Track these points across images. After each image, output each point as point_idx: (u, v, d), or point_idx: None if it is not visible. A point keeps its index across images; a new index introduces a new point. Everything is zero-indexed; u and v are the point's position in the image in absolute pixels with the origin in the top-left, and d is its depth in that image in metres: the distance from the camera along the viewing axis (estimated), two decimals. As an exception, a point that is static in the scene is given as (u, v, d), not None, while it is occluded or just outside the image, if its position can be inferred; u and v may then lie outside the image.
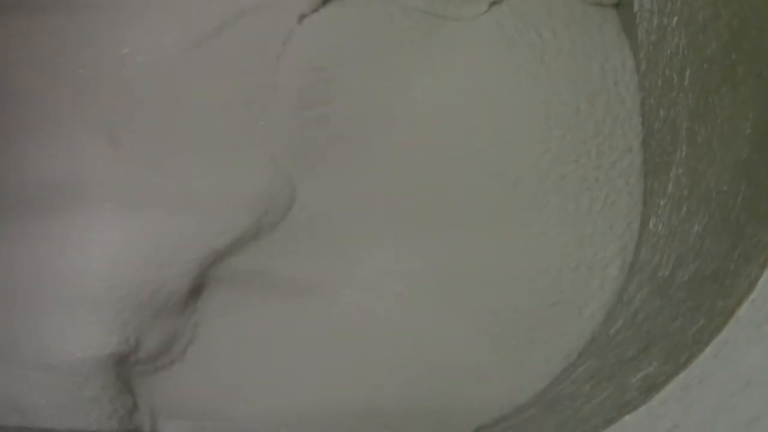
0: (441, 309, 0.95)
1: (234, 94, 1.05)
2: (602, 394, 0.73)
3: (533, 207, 0.96)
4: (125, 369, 0.98)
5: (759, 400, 0.51)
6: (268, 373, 0.97)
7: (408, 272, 0.97)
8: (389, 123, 1.02)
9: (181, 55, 1.07)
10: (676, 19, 0.83)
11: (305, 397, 0.95)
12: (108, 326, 0.96)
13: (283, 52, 1.06)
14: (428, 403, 0.92)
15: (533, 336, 0.92)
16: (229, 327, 1.00)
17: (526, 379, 0.90)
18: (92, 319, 0.96)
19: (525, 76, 0.99)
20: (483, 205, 0.97)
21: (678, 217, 0.81)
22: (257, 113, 1.04)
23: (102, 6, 1.10)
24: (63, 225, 1.01)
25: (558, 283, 0.93)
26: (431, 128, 1.01)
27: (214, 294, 1.00)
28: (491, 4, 1.04)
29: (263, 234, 1.00)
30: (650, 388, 0.61)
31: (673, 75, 0.85)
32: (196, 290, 1.00)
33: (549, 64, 0.99)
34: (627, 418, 0.60)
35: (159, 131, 1.05)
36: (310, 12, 1.07)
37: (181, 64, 1.07)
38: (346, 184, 1.02)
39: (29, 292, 0.99)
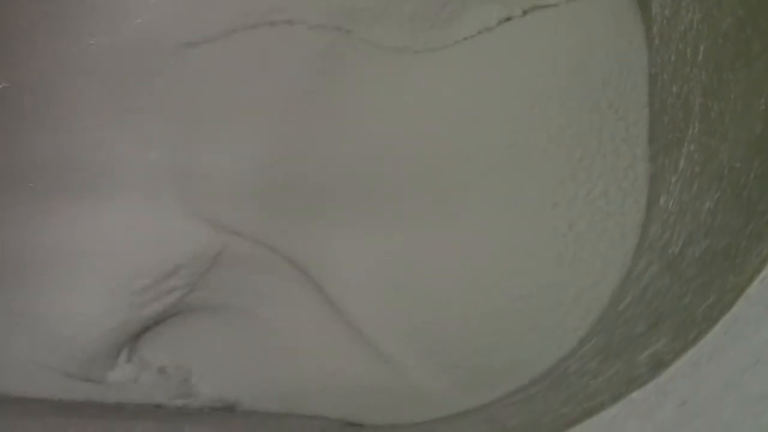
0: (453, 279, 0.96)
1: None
2: (610, 370, 0.73)
3: (536, 177, 0.96)
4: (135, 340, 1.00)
5: (769, 377, 0.51)
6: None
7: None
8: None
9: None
10: (690, -8, 0.82)
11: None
12: (121, 303, 0.98)
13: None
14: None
15: (538, 312, 0.92)
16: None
17: (533, 356, 0.91)
18: (107, 296, 0.98)
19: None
20: (486, 176, 0.97)
21: (689, 194, 0.80)
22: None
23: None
24: (88, 205, 1.03)
25: (564, 258, 0.93)
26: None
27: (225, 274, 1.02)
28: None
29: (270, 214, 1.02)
30: (659, 365, 0.61)
31: (687, 50, 0.83)
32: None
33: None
34: (635, 394, 0.60)
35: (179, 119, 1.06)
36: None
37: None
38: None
39: (51, 265, 1.01)
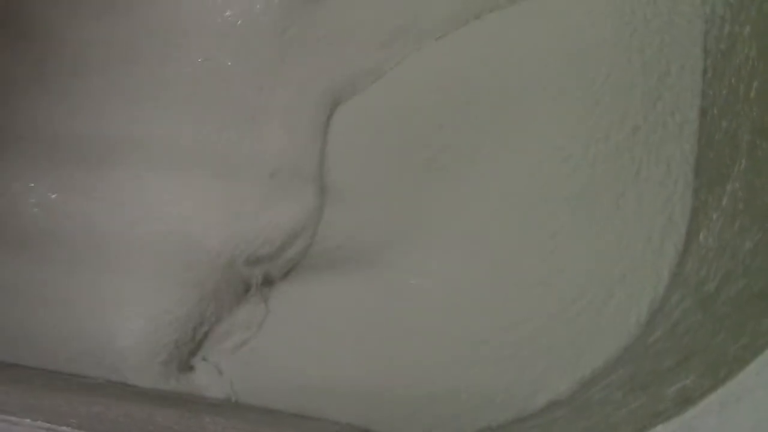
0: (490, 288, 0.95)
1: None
2: (635, 402, 0.72)
3: (575, 199, 0.95)
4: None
5: (799, 423, 0.50)
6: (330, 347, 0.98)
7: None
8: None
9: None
10: (748, 28, 0.81)
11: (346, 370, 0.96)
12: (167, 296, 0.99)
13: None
14: (458, 387, 0.92)
15: (569, 334, 0.91)
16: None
17: (558, 378, 0.90)
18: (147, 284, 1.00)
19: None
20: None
21: (730, 232, 0.79)
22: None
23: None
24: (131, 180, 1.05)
25: (600, 285, 0.92)
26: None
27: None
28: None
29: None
30: (686, 401, 0.60)
31: (740, 86, 0.82)
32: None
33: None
34: (659, 428, 0.59)
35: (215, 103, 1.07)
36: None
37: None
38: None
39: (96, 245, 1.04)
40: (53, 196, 1.05)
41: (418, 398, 0.93)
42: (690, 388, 0.63)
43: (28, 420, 0.68)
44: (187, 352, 1.00)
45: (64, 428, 0.68)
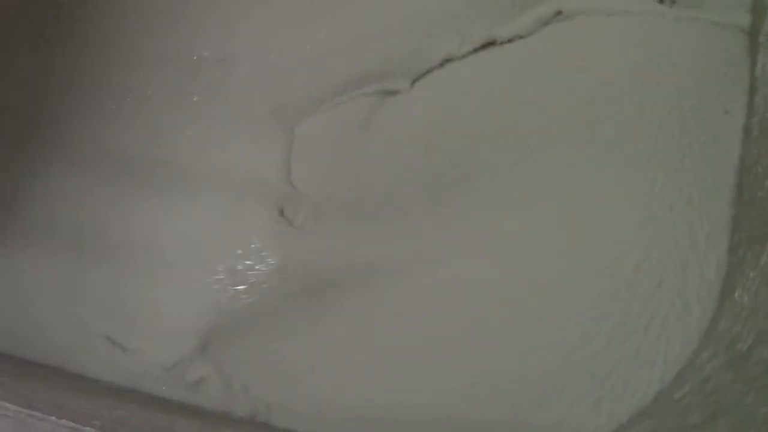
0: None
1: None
2: (657, 456, 0.71)
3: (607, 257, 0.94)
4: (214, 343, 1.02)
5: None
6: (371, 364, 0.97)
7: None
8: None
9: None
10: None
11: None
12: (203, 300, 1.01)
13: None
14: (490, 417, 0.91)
15: (593, 387, 0.90)
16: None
17: (581, 428, 0.89)
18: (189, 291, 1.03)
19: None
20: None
21: (766, 292, 0.78)
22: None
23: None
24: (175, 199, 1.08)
25: (629, 336, 0.91)
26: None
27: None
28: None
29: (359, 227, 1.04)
30: (710, 459, 0.59)
31: (786, 146, 0.82)
32: None
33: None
34: (681, 484, 0.58)
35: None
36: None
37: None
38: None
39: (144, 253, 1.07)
40: (107, 208, 1.10)
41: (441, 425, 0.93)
42: (715, 446, 0.62)
43: (53, 418, 0.70)
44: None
45: (87, 429, 0.69)
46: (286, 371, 0.99)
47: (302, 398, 0.97)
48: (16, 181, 1.13)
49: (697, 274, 0.91)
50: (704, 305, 0.89)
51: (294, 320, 1.00)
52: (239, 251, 1.04)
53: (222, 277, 1.03)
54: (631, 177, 0.95)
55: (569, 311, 0.92)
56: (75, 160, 1.13)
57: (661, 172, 0.95)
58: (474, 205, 1.00)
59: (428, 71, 1.08)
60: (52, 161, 1.13)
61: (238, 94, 1.12)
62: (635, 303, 0.91)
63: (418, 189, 1.03)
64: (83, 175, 1.12)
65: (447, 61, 1.07)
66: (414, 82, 1.08)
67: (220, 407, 0.98)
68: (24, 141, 1.16)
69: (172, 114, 1.13)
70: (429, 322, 0.96)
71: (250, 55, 1.13)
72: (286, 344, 0.99)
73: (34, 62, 1.19)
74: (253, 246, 1.04)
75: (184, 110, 1.12)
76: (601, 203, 0.96)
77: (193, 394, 1.00)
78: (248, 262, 1.03)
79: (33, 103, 1.17)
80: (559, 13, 1.04)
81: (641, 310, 0.91)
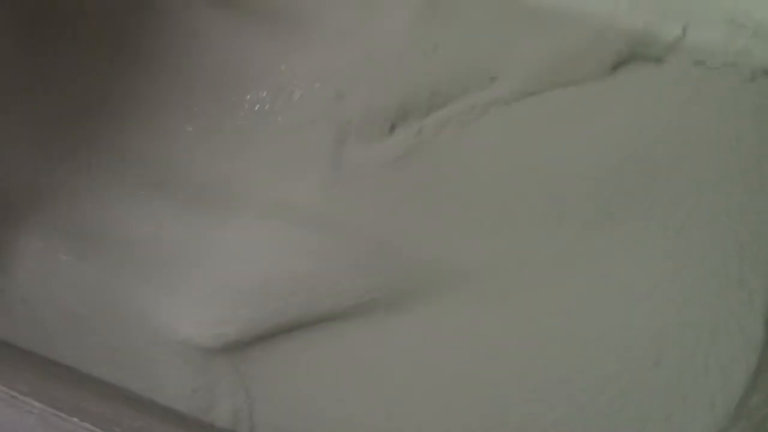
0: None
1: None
2: None
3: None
4: (232, 357, 1.02)
5: None
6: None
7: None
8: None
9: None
10: None
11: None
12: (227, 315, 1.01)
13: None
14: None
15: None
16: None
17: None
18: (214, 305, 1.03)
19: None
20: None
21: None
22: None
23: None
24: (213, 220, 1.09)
25: (654, 413, 0.89)
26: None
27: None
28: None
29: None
30: None
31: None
32: None
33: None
34: None
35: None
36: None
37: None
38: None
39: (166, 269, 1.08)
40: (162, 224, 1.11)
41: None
42: None
43: (75, 419, 0.70)
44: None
45: (107, 434, 0.70)
46: (302, 398, 0.99)
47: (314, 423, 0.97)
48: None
49: (732, 348, 0.90)
50: (740, 378, 0.88)
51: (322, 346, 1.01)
52: (276, 271, 1.04)
53: (257, 297, 1.03)
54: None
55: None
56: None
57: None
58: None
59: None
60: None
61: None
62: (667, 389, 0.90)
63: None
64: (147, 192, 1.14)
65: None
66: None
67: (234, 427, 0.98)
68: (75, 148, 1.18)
69: (224, 132, 1.15)
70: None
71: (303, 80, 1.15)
72: (309, 370, 1.00)
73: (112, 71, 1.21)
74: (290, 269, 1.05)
75: (237, 130, 1.14)
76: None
77: (210, 413, 1.00)
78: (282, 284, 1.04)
79: (81, 113, 1.19)
80: None
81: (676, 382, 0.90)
